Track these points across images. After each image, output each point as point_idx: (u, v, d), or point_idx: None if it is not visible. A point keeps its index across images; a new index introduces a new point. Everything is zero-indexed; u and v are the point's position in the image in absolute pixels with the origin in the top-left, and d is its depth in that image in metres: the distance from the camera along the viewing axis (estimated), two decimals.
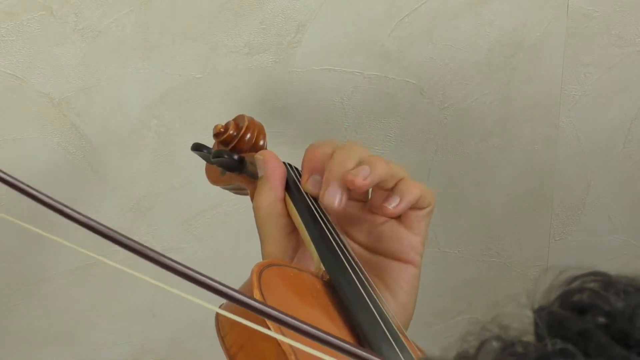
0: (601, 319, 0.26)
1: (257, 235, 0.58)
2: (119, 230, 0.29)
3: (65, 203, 0.29)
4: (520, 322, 0.27)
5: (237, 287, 0.48)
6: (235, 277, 0.50)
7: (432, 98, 0.93)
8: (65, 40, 0.76)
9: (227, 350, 0.45)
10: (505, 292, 1.11)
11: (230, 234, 0.92)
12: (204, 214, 0.90)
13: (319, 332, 0.28)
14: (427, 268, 0.59)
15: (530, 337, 0.27)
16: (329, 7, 0.84)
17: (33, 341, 0.90)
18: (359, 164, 0.54)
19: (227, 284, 0.29)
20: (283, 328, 0.30)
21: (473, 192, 1.02)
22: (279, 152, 0.63)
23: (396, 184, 0.55)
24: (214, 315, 0.47)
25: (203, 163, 0.70)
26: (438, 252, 1.05)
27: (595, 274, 0.28)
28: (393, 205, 0.55)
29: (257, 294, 0.45)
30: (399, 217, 0.57)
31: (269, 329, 0.33)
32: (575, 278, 0.28)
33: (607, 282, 0.28)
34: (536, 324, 0.27)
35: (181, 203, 0.88)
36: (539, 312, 0.27)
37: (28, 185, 0.29)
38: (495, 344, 0.26)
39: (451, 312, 1.10)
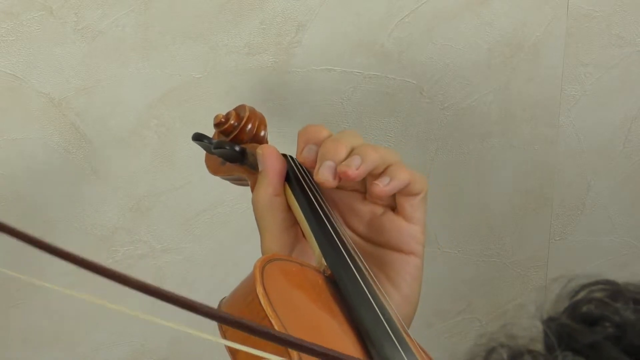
0: (611, 331, 0.26)
1: (258, 234, 0.58)
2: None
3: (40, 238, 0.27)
4: (529, 332, 0.27)
5: (237, 284, 0.48)
6: (235, 277, 0.50)
7: (432, 98, 0.93)
8: (65, 40, 0.76)
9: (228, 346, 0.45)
10: (505, 292, 1.11)
11: (230, 234, 0.92)
12: (204, 214, 0.90)
13: (317, 347, 0.27)
14: (427, 268, 0.59)
15: (537, 347, 0.26)
16: (329, 7, 0.84)
17: (33, 341, 0.90)
18: (351, 152, 0.54)
19: (207, 304, 0.28)
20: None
21: (473, 192, 1.02)
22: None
23: (386, 168, 0.54)
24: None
25: (203, 163, 0.69)
26: (438, 252, 1.05)
27: (602, 282, 0.28)
28: (384, 183, 0.54)
29: (259, 289, 0.45)
30: (394, 208, 0.56)
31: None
32: (583, 287, 0.28)
33: (615, 291, 0.27)
34: (546, 335, 0.26)
35: (181, 203, 0.88)
36: (548, 322, 0.27)
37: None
38: (503, 353, 0.26)
39: (451, 312, 1.10)
